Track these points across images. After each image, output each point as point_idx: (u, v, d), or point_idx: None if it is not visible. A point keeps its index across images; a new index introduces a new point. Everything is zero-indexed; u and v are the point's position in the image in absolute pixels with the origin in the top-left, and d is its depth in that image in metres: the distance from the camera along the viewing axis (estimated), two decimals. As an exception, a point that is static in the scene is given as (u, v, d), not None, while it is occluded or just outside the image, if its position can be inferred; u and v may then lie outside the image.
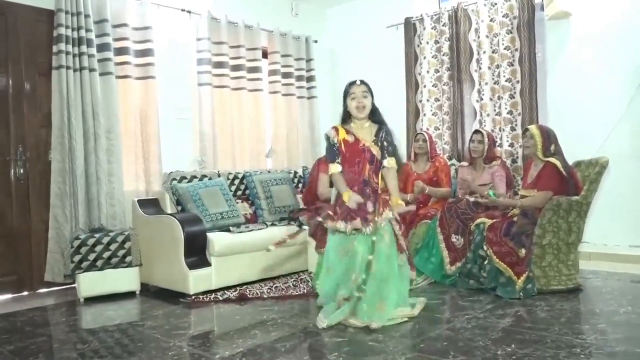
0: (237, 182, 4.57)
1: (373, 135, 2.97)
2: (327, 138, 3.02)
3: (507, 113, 4.60)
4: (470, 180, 4.08)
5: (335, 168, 2.98)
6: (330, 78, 5.93)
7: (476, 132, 4.15)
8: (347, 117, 3.02)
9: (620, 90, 4.18)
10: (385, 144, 2.95)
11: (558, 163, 3.36)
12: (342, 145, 2.94)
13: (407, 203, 4.25)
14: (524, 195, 3.54)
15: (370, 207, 2.79)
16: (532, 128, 3.56)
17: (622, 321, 2.70)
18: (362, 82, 2.96)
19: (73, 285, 3.83)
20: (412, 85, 5.30)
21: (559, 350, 2.27)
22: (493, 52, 4.70)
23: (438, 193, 4.20)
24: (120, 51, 4.29)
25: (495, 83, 4.70)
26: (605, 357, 2.19)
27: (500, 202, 3.63)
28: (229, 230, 3.96)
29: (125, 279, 3.77)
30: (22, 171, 3.95)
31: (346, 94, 2.99)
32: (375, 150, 2.93)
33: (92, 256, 3.65)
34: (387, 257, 2.83)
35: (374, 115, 3.01)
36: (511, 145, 4.59)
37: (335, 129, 3.00)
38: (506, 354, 2.27)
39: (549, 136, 3.48)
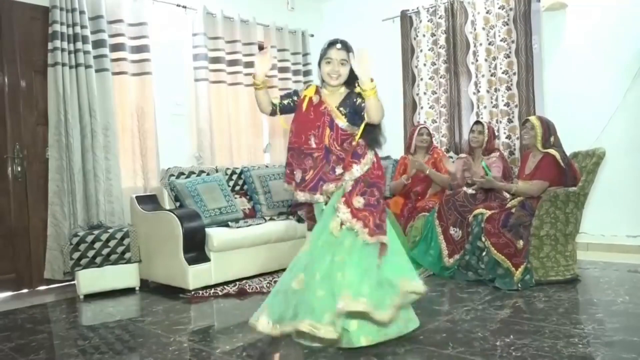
0: (235, 177, 4.57)
1: (339, 100, 2.55)
2: (296, 90, 2.73)
3: (504, 105, 4.60)
4: (471, 163, 4.05)
5: (275, 97, 2.64)
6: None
7: (477, 122, 4.16)
8: (322, 81, 2.62)
9: (617, 81, 4.18)
10: (356, 110, 2.49)
11: (557, 154, 3.37)
12: (305, 102, 2.54)
13: (407, 197, 4.28)
14: (521, 186, 3.55)
15: (339, 170, 2.47)
16: (533, 119, 3.57)
17: (620, 311, 2.71)
18: (343, 45, 2.54)
19: (72, 283, 3.84)
20: (409, 78, 5.30)
21: (557, 341, 2.29)
22: (489, 44, 4.70)
23: (438, 177, 4.19)
24: (116, 47, 4.28)
25: (492, 75, 4.70)
26: (603, 347, 2.21)
27: (494, 183, 3.62)
28: (227, 226, 3.97)
29: (124, 276, 3.78)
30: (19, 169, 3.94)
31: (322, 55, 2.59)
32: (337, 116, 2.50)
33: (91, 253, 3.65)
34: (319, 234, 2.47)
35: (349, 80, 2.56)
36: (508, 137, 4.60)
37: (309, 84, 2.68)
38: (505, 344, 2.28)
39: (548, 127, 3.49)
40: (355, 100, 2.50)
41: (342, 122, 2.50)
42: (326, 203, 2.53)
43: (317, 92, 2.57)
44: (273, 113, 2.66)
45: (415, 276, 2.47)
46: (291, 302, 2.39)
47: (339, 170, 2.49)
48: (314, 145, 2.49)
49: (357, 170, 2.48)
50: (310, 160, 2.49)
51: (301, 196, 2.53)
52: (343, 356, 2.28)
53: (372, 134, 2.54)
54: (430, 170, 4.18)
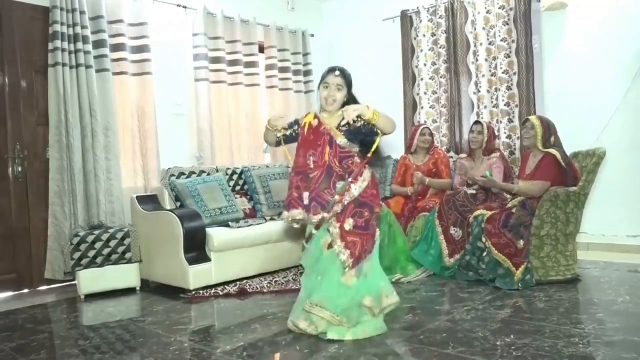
0: (235, 177, 4.57)
1: (338, 122, 2.65)
2: (296, 119, 2.81)
3: (505, 105, 4.60)
4: (468, 167, 4.08)
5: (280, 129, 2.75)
6: (327, 72, 5.92)
7: (476, 122, 4.17)
8: (320, 105, 2.75)
9: (617, 81, 4.18)
10: (357, 130, 2.60)
11: (557, 154, 3.37)
12: (306, 128, 2.63)
13: (407, 196, 4.28)
14: (521, 186, 3.55)
15: (339, 185, 2.54)
16: (533, 118, 3.57)
17: (620, 310, 2.71)
18: (341, 72, 2.65)
19: (73, 282, 3.84)
20: (409, 78, 5.30)
21: (557, 340, 2.29)
22: (490, 43, 4.70)
23: (438, 184, 4.22)
24: (116, 47, 4.28)
25: (492, 75, 4.70)
26: (603, 346, 2.21)
27: (496, 183, 3.63)
28: (228, 226, 3.97)
29: (125, 275, 3.78)
30: (20, 169, 3.94)
31: (321, 80, 2.70)
32: (336, 134, 2.59)
33: (91, 253, 3.65)
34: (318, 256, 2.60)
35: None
36: (509, 137, 4.60)
37: (307, 113, 2.74)
38: (505, 344, 2.29)
39: (549, 127, 3.49)
40: (353, 121, 2.58)
41: (340, 139, 2.59)
42: (317, 227, 2.58)
43: (316, 117, 2.67)
44: (277, 144, 2.79)
45: (387, 289, 2.60)
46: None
47: (339, 186, 2.54)
48: (311, 165, 2.57)
49: (356, 189, 2.56)
50: (306, 181, 2.55)
51: (313, 218, 2.52)
52: (343, 356, 2.28)
53: (378, 154, 2.65)
54: (430, 180, 4.19)
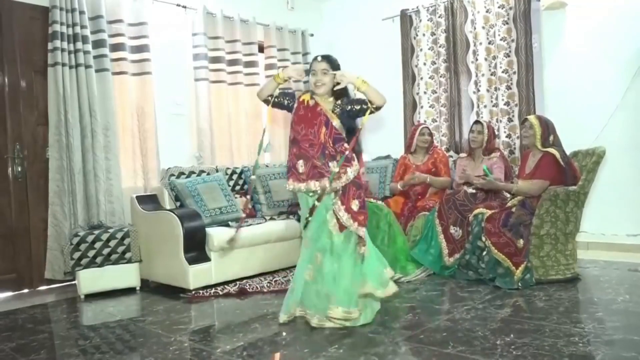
0: (235, 177, 4.57)
1: (332, 106, 2.81)
2: (295, 93, 3.00)
3: (504, 104, 4.60)
4: (467, 168, 4.08)
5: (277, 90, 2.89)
6: (327, 71, 5.92)
7: (476, 122, 4.17)
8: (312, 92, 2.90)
9: (617, 80, 4.18)
10: (350, 107, 2.76)
11: (557, 153, 3.36)
12: (302, 104, 2.81)
13: (405, 197, 4.28)
14: (521, 186, 3.55)
15: (335, 166, 2.68)
16: (532, 118, 3.56)
17: (620, 310, 2.72)
18: (324, 58, 2.81)
19: (73, 282, 3.84)
20: (409, 77, 5.30)
21: (557, 339, 2.29)
22: (489, 43, 4.70)
23: (439, 182, 4.22)
24: (116, 47, 4.28)
25: (492, 74, 4.70)
26: (603, 346, 2.21)
27: (495, 183, 3.63)
28: (228, 225, 3.97)
29: (125, 275, 3.78)
30: (19, 169, 3.94)
31: (308, 70, 2.87)
32: (332, 117, 2.76)
33: (91, 253, 3.65)
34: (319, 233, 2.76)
35: (342, 95, 2.83)
36: (508, 136, 4.60)
37: (305, 91, 2.94)
38: (505, 343, 2.29)
39: (547, 127, 3.49)
40: (345, 107, 2.79)
41: (335, 121, 2.77)
42: (318, 198, 2.75)
43: (312, 97, 2.84)
44: (267, 102, 2.91)
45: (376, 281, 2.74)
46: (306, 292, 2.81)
47: (332, 167, 2.71)
48: (313, 138, 2.75)
49: (352, 172, 2.71)
50: (307, 153, 2.77)
51: (302, 187, 2.76)
52: (343, 356, 2.28)
53: (359, 140, 2.87)
54: (430, 177, 4.20)
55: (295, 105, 2.86)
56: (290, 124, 2.87)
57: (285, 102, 2.89)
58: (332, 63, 2.81)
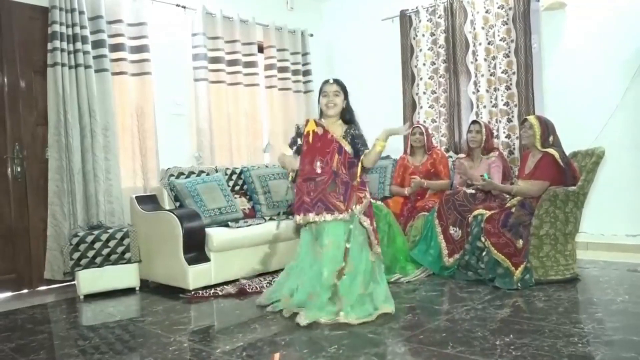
0: (234, 177, 4.57)
1: (343, 131, 3.00)
2: (297, 127, 3.13)
3: (504, 104, 4.60)
4: (467, 167, 4.08)
5: (286, 150, 3.11)
6: (327, 72, 5.86)
7: (474, 122, 4.17)
8: (320, 114, 3.11)
9: (616, 81, 4.18)
10: (355, 140, 2.97)
11: (556, 154, 3.37)
12: (310, 136, 2.98)
13: (405, 197, 4.29)
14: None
15: (340, 201, 2.85)
16: (531, 118, 3.57)
17: (620, 310, 2.72)
18: (335, 81, 3.03)
19: (73, 283, 3.84)
20: (409, 77, 5.30)
21: (556, 340, 2.29)
22: (489, 43, 4.70)
23: (437, 185, 4.22)
24: (116, 47, 4.28)
25: (491, 75, 4.70)
26: (603, 346, 2.21)
27: (494, 185, 3.64)
28: (227, 226, 3.97)
29: (124, 276, 3.78)
30: (19, 169, 3.94)
31: (319, 91, 3.06)
32: (344, 144, 2.96)
33: (91, 253, 3.65)
34: (361, 251, 2.92)
35: (346, 115, 3.05)
36: (508, 136, 4.60)
37: (307, 120, 3.08)
38: (504, 344, 2.29)
39: (547, 127, 3.49)
40: (354, 132, 2.98)
41: (348, 147, 2.95)
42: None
43: (319, 125, 2.98)
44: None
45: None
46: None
47: (339, 201, 2.85)
48: (319, 170, 2.90)
49: (368, 195, 2.98)
50: (313, 185, 2.89)
51: (311, 218, 2.88)
52: (343, 356, 2.28)
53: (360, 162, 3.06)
54: (428, 182, 4.20)
55: (302, 132, 3.03)
56: (300, 162, 3.02)
57: (300, 145, 3.07)
58: (342, 86, 3.03)
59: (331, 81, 3.02)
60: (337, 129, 3.00)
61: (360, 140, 2.98)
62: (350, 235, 2.85)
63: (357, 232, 2.90)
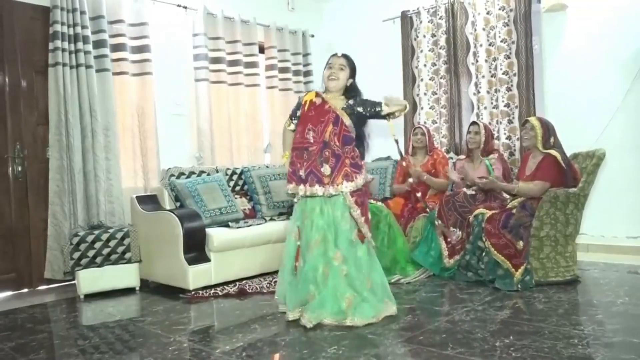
0: (235, 177, 4.57)
1: (344, 104, 2.85)
2: (299, 98, 3.04)
3: (504, 106, 4.60)
4: (467, 169, 4.08)
5: (288, 124, 3.01)
6: (328, 72, 5.92)
7: (473, 123, 4.17)
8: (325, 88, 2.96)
9: (617, 82, 4.18)
10: (364, 105, 2.80)
11: (557, 155, 3.37)
12: (307, 105, 2.85)
13: (406, 198, 4.28)
14: (521, 187, 3.55)
15: (327, 170, 2.71)
16: (532, 119, 3.57)
17: (620, 312, 2.71)
18: (343, 55, 2.88)
19: (73, 282, 3.84)
20: (409, 78, 5.30)
21: (556, 342, 2.29)
22: (490, 44, 4.70)
23: (435, 182, 4.22)
24: (117, 47, 4.29)
25: (492, 76, 4.70)
26: (603, 348, 2.21)
27: (496, 183, 3.63)
28: (227, 226, 3.97)
29: (124, 275, 3.78)
30: (20, 169, 3.94)
31: (326, 64, 2.92)
32: (342, 114, 2.79)
33: (91, 253, 3.65)
34: (350, 245, 2.77)
35: (351, 94, 2.88)
36: (508, 138, 4.60)
37: (309, 91, 3.03)
38: (504, 345, 2.29)
39: (548, 128, 3.49)
40: (356, 108, 2.81)
41: (347, 119, 2.79)
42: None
43: (319, 95, 2.86)
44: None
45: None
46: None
47: (326, 170, 2.71)
48: (311, 140, 2.77)
49: (361, 180, 2.77)
50: (306, 154, 2.75)
51: (303, 190, 2.77)
52: (343, 356, 2.28)
53: (363, 146, 2.94)
54: (427, 176, 4.19)
55: (301, 102, 2.92)
56: (295, 130, 2.92)
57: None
58: (350, 62, 2.87)
59: (339, 54, 2.87)
60: (338, 103, 2.85)
61: (368, 102, 2.80)
62: (321, 212, 2.73)
63: (342, 219, 2.74)
